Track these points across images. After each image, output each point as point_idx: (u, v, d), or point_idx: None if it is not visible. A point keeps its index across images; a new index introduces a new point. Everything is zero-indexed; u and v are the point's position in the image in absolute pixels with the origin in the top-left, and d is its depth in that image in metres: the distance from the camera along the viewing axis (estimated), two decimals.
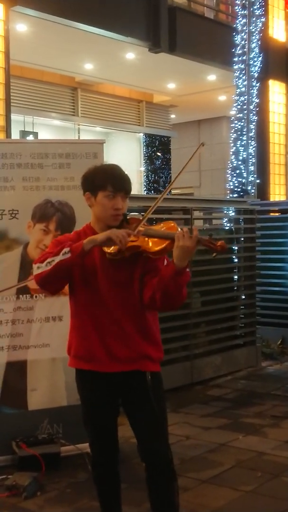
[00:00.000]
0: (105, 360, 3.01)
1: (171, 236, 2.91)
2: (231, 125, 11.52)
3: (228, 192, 11.24)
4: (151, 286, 2.96)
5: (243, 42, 11.52)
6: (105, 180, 3.05)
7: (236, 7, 11.83)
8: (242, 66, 11.41)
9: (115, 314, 3.01)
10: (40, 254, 3.09)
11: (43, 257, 2.99)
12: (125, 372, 3.02)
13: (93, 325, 3.03)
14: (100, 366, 3.02)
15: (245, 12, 11.58)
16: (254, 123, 11.42)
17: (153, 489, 3.05)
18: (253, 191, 11.28)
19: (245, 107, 11.27)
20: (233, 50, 11.56)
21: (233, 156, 11.24)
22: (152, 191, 15.98)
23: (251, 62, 11.46)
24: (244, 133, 11.23)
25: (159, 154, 16.61)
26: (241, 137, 11.24)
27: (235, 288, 7.68)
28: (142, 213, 4.68)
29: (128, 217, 3.05)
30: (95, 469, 3.22)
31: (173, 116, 17.46)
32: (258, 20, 11.78)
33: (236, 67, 11.48)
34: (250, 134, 11.28)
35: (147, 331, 3.06)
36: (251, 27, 11.57)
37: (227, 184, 11.25)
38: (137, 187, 15.10)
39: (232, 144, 11.35)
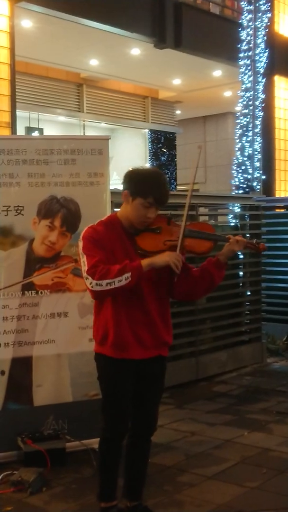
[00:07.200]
0: (135, 346, 3.29)
1: (219, 239, 3.41)
2: (237, 121, 11.49)
3: (233, 188, 11.22)
4: (189, 280, 3.33)
5: (248, 38, 11.48)
6: (150, 190, 3.21)
7: (242, 3, 11.79)
8: (248, 62, 11.38)
9: (147, 306, 3.29)
10: (88, 261, 3.17)
11: (98, 272, 3.10)
12: (150, 357, 3.35)
13: (127, 317, 3.27)
14: (133, 354, 3.30)
15: (251, 7, 11.54)
16: (259, 119, 11.38)
17: (139, 453, 3.54)
18: (258, 187, 11.26)
19: (250, 103, 11.24)
20: (239, 45, 11.52)
21: (239, 152, 11.22)
22: None
23: (257, 58, 11.42)
24: (249, 129, 11.20)
25: (164, 150, 16.59)
26: (246, 133, 11.21)
27: (241, 284, 7.67)
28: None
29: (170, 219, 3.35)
30: (108, 444, 3.46)
31: (178, 112, 17.42)
32: (264, 16, 11.73)
33: (241, 62, 11.45)
34: (256, 130, 11.24)
35: (166, 319, 3.42)
36: (256, 23, 11.53)
37: (233, 180, 11.23)
38: None
39: (237, 140, 11.32)
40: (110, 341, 3.31)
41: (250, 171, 11.03)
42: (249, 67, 11.35)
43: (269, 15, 12.09)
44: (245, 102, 11.30)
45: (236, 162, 11.22)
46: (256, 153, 11.17)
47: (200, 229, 3.41)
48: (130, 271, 3.11)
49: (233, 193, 10.61)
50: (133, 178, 3.26)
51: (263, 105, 11.54)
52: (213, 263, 3.39)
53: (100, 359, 3.42)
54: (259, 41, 11.52)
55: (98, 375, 3.47)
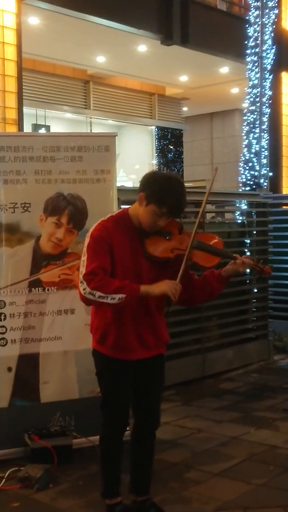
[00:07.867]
0: (137, 348, 3.28)
1: (227, 256, 3.36)
2: (244, 118, 11.47)
3: (240, 185, 11.20)
4: (189, 288, 3.31)
5: (256, 34, 11.45)
6: (166, 200, 3.10)
7: None
8: (255, 59, 11.35)
9: (151, 308, 3.27)
10: (87, 264, 3.12)
11: (95, 281, 3.05)
12: (152, 356, 3.36)
13: (132, 319, 3.25)
14: (134, 355, 3.29)
15: (258, 3, 11.50)
16: (266, 116, 11.36)
17: (143, 449, 3.55)
18: (265, 184, 11.23)
19: (257, 99, 11.20)
20: (246, 42, 11.50)
21: (246, 149, 11.19)
22: None
23: (264, 54, 11.39)
24: (256, 125, 11.17)
25: (171, 147, 16.58)
26: (253, 130, 11.18)
27: (247, 281, 7.66)
28: None
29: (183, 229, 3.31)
30: (108, 441, 3.49)
31: (185, 109, 17.41)
32: (271, 12, 11.69)
33: (248, 59, 11.41)
34: (263, 127, 11.22)
35: (162, 318, 3.40)
36: (264, 19, 11.49)
37: (240, 177, 11.20)
38: None
39: (244, 137, 11.29)
40: (110, 343, 3.27)
41: (257, 168, 11.00)
42: (256, 64, 11.32)
43: (276, 11, 12.05)
44: (252, 99, 11.27)
45: (243, 159, 11.19)
46: (263, 150, 11.14)
47: (209, 242, 3.36)
48: (126, 293, 3.05)
49: (240, 190, 10.59)
50: (152, 184, 3.13)
51: (270, 101, 11.51)
52: (216, 277, 3.36)
53: (98, 356, 3.39)
54: (266, 37, 11.48)
55: (96, 371, 3.45)
